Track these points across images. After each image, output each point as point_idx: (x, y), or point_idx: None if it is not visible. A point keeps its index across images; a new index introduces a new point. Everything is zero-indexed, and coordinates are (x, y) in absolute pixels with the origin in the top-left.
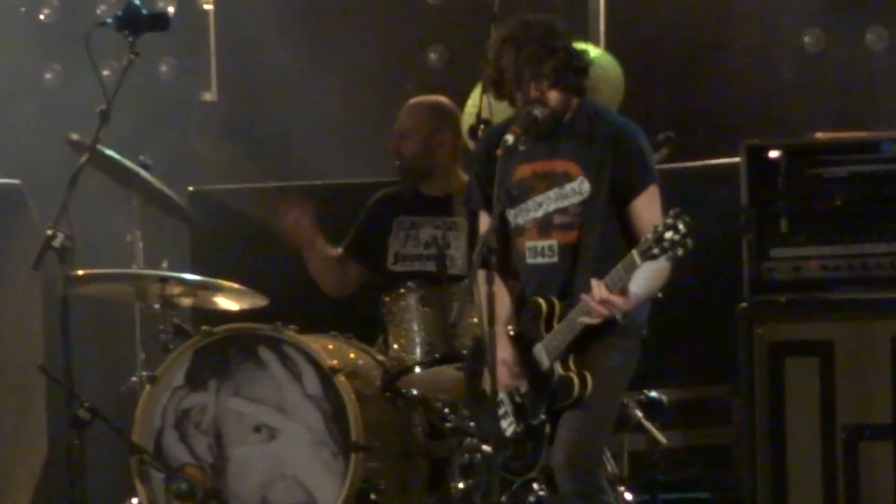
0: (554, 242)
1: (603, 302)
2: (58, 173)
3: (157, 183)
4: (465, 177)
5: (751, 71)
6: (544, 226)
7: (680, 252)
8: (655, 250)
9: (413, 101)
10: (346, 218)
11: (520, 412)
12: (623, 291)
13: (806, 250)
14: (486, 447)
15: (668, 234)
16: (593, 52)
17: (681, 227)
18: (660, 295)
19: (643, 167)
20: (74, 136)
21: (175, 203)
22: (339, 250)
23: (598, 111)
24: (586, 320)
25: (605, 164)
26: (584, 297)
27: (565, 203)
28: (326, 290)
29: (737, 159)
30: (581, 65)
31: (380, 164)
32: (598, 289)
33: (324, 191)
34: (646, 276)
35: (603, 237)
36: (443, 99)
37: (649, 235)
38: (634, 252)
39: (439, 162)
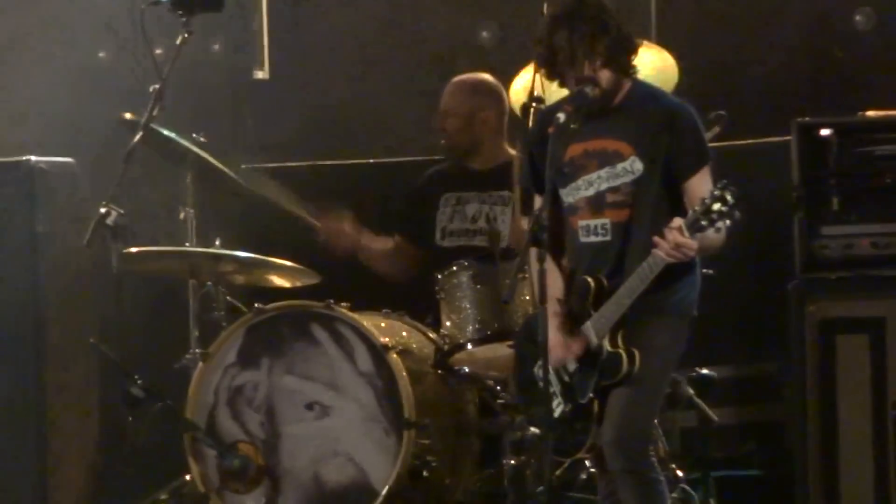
0: (606, 221)
1: (677, 246)
2: (111, 152)
3: (212, 159)
4: (510, 151)
5: (802, 49)
6: (597, 204)
7: (728, 222)
8: (703, 222)
9: (456, 79)
10: (398, 196)
11: (568, 391)
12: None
13: (857, 228)
14: (534, 429)
15: (716, 206)
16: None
17: (728, 198)
18: (710, 272)
19: (697, 147)
20: (127, 116)
21: (231, 178)
22: (393, 240)
23: (651, 92)
24: (652, 263)
25: (658, 143)
26: (657, 240)
27: (617, 182)
28: (385, 278)
29: (788, 137)
30: (632, 45)
31: (431, 143)
32: (672, 233)
33: (376, 169)
34: (705, 236)
35: (654, 216)
36: (485, 76)
37: (697, 208)
38: (683, 224)
39: (483, 138)
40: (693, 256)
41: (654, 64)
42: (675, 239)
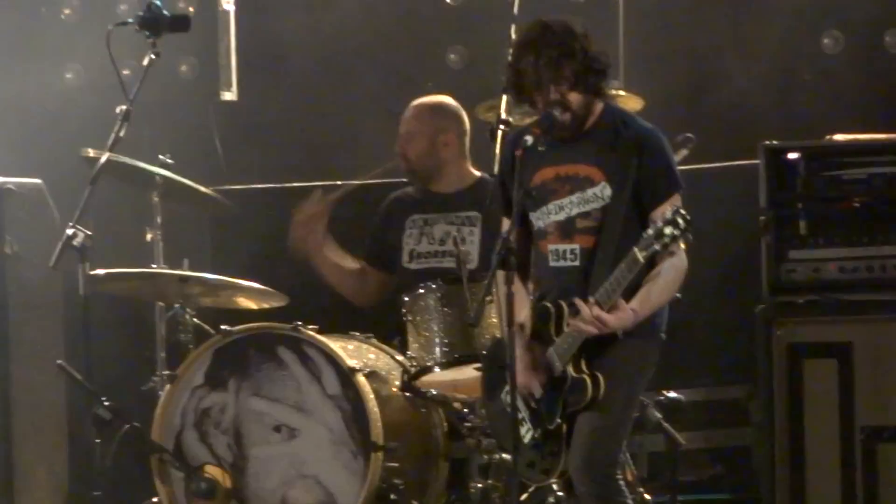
0: (576, 246)
1: (595, 320)
2: (78, 173)
3: (179, 178)
4: (475, 173)
5: (770, 72)
6: (566, 229)
7: (682, 245)
8: (656, 246)
9: (415, 102)
10: (360, 219)
11: (536, 417)
12: (617, 306)
13: (824, 252)
14: (503, 454)
15: (668, 230)
16: None
17: (679, 221)
18: (678, 295)
19: (668, 176)
20: (90, 152)
21: (202, 194)
22: (359, 264)
23: (622, 116)
24: (575, 332)
25: (628, 170)
26: (578, 305)
27: (587, 207)
28: (350, 299)
29: (755, 161)
30: (601, 67)
31: (399, 165)
32: (589, 307)
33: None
34: (651, 290)
35: (622, 242)
36: (445, 98)
37: (650, 231)
38: (635, 249)
39: (446, 160)
40: (619, 328)
41: None
42: (591, 313)
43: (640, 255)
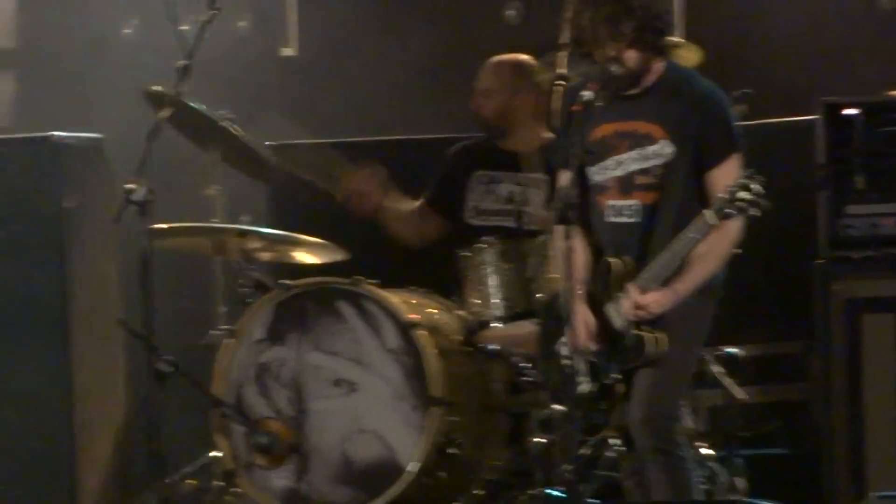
0: (635, 202)
1: (639, 307)
2: (138, 127)
3: (241, 135)
4: (545, 134)
5: (828, 28)
6: (626, 185)
7: (752, 212)
8: (729, 209)
9: (495, 59)
10: (423, 173)
11: (593, 371)
12: (660, 289)
13: (882, 207)
14: (557, 406)
15: (742, 194)
16: None
17: (753, 187)
18: (738, 251)
19: (728, 135)
20: (154, 87)
21: (258, 155)
22: (418, 202)
23: (685, 75)
24: (621, 316)
25: (689, 128)
26: (626, 294)
27: (647, 164)
28: (405, 241)
29: (812, 116)
30: (660, 25)
31: (455, 120)
32: (633, 293)
33: (401, 146)
34: (698, 267)
35: (682, 200)
36: (524, 57)
37: (723, 195)
38: (706, 212)
39: (520, 120)
40: (654, 315)
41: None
42: (636, 300)
43: (712, 218)
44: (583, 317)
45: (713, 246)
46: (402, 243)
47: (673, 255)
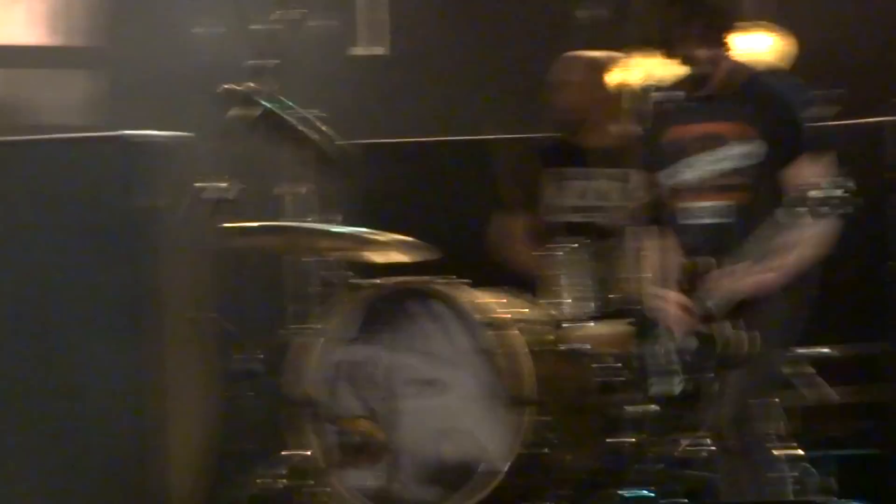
0: (715, 203)
1: (723, 290)
2: (211, 127)
3: (316, 135)
4: (617, 131)
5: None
6: (705, 186)
7: (825, 211)
8: (800, 208)
9: (570, 55)
10: (508, 172)
11: (688, 370)
12: (750, 273)
13: None
14: (654, 406)
15: (814, 193)
16: None
17: (826, 185)
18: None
19: (799, 134)
20: (230, 87)
21: (333, 155)
22: (503, 218)
23: (762, 74)
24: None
25: (766, 127)
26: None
27: (725, 165)
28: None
29: (884, 118)
30: (732, 24)
31: (533, 119)
32: (720, 275)
33: (479, 145)
34: (786, 257)
35: (761, 199)
36: (599, 53)
37: (795, 194)
38: (778, 211)
39: (594, 115)
40: (744, 295)
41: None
42: (723, 283)
43: (784, 217)
44: (676, 315)
45: (797, 242)
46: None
47: (752, 250)
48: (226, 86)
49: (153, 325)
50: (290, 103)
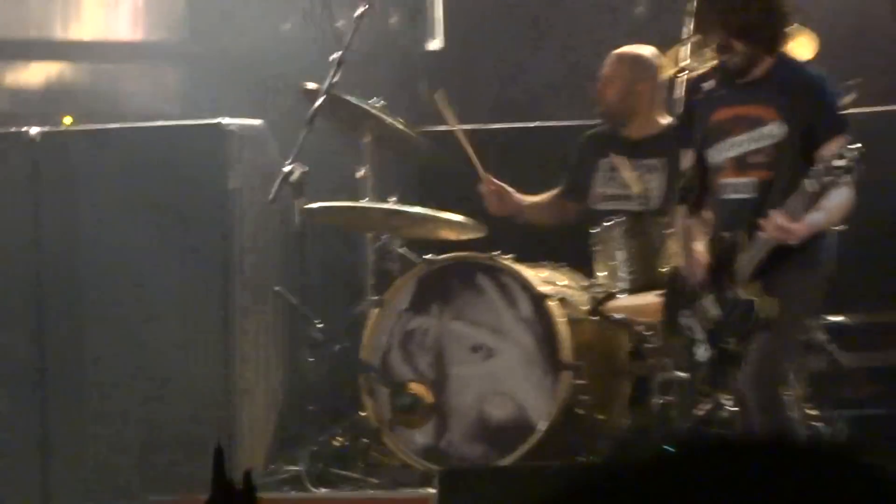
0: (749, 179)
1: (779, 228)
2: (296, 115)
3: (390, 120)
4: (663, 121)
5: None
6: (741, 164)
7: (849, 177)
8: (826, 177)
9: (616, 51)
10: (558, 156)
11: (713, 337)
12: (798, 219)
13: None
14: (679, 370)
15: (837, 163)
16: None
17: (847, 154)
18: (844, 227)
19: (833, 117)
20: (309, 85)
21: (408, 136)
22: (554, 192)
23: (795, 64)
24: (765, 236)
25: (798, 111)
26: (762, 221)
27: (760, 144)
28: (548, 228)
29: None
30: (777, 22)
31: (588, 108)
32: (776, 216)
33: (539, 132)
34: (826, 209)
35: (793, 176)
36: (644, 50)
37: (819, 165)
38: (806, 181)
39: (638, 108)
40: (797, 238)
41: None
42: (778, 221)
43: (811, 187)
44: (704, 287)
45: (831, 203)
46: (543, 228)
47: (790, 208)
48: (307, 84)
49: (235, 297)
50: (349, 96)
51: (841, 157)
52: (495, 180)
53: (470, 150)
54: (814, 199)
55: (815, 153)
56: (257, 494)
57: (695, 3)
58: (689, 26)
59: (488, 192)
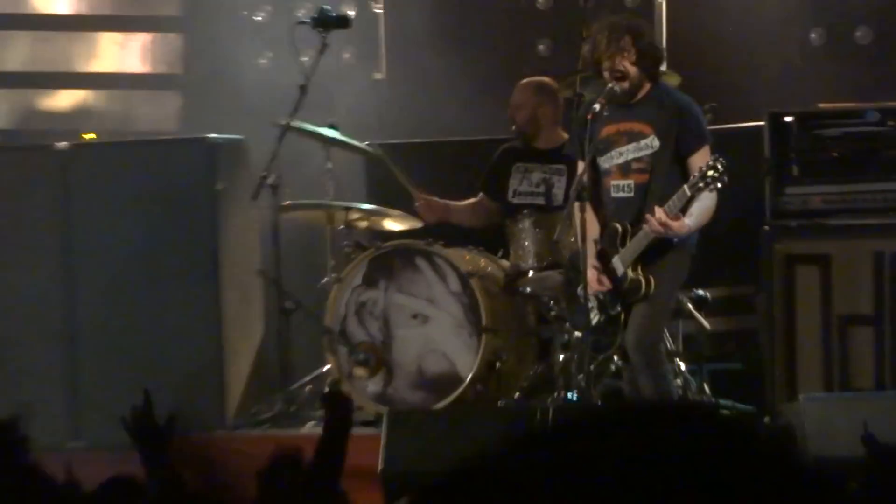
0: (631, 182)
1: (662, 223)
2: (271, 132)
3: (342, 136)
4: (564, 135)
5: (771, 58)
6: (625, 170)
7: (719, 185)
8: (701, 184)
9: (524, 81)
10: (482, 165)
11: (602, 306)
12: (677, 218)
13: (811, 189)
14: (577, 332)
15: (710, 172)
16: None
17: (719, 167)
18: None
19: (699, 132)
20: (280, 122)
21: (359, 148)
22: (477, 197)
23: (667, 89)
24: (648, 230)
25: (671, 127)
26: (648, 217)
27: (640, 154)
28: (471, 226)
29: (761, 123)
30: (658, 55)
31: (499, 125)
32: (659, 213)
33: (464, 146)
34: (697, 213)
35: (666, 180)
36: (545, 79)
37: (696, 174)
38: (685, 186)
39: (544, 125)
40: (676, 234)
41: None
42: (660, 218)
43: (688, 191)
44: (595, 266)
45: (701, 207)
46: (472, 229)
47: (670, 208)
48: (280, 121)
49: (222, 276)
50: (306, 125)
51: (714, 168)
52: (424, 195)
53: (402, 177)
54: (690, 201)
55: (686, 161)
56: (188, 434)
57: (594, 39)
58: (583, 61)
59: (419, 206)
